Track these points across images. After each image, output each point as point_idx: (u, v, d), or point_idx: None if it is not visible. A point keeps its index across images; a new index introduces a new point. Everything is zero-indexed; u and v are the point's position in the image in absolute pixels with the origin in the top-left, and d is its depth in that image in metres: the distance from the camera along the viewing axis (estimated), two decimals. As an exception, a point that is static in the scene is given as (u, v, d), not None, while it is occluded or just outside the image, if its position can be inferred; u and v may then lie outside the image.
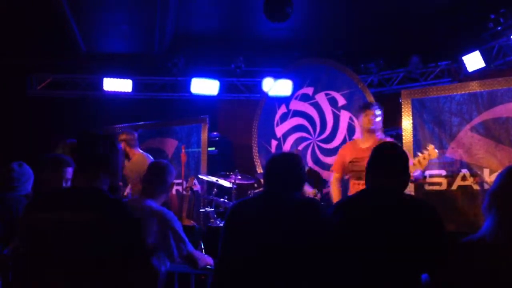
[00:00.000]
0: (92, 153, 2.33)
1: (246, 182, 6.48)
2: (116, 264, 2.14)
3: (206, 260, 3.44)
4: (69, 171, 3.46)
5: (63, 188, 2.38)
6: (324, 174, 7.27)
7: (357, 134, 5.26)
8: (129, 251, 2.16)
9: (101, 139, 2.38)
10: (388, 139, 4.92)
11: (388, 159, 2.61)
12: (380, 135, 4.88)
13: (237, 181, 6.14)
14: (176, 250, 3.17)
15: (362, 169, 4.74)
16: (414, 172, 4.56)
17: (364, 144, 4.88)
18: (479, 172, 5.58)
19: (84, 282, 2.12)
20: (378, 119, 4.87)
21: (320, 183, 6.45)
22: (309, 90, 7.87)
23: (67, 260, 2.13)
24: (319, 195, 6.20)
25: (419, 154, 4.64)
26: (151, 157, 5.98)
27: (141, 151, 6.19)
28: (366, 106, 5.00)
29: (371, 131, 4.85)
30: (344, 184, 5.15)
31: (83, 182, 2.28)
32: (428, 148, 4.67)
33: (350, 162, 4.87)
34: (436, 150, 4.65)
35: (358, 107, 5.18)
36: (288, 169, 2.73)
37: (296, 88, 8.00)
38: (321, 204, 2.72)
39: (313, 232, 2.53)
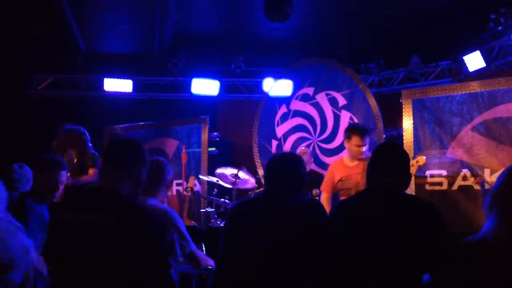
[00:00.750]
0: (119, 159, 2.35)
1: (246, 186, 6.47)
2: (133, 270, 2.14)
3: (208, 260, 3.45)
4: (63, 174, 3.52)
5: (87, 189, 2.42)
6: (325, 174, 7.26)
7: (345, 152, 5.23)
8: (148, 258, 2.15)
9: (129, 144, 2.42)
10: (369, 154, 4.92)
11: (389, 159, 2.61)
12: (366, 153, 4.87)
13: (237, 181, 6.14)
14: (179, 249, 3.18)
15: (351, 186, 4.81)
16: None
17: (352, 162, 4.95)
18: (480, 172, 5.57)
19: (98, 282, 2.15)
20: (366, 146, 4.86)
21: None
22: (309, 90, 7.86)
23: (85, 261, 2.16)
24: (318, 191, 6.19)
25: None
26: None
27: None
28: (357, 134, 4.84)
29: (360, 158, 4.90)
30: (335, 201, 5.15)
31: (108, 186, 2.30)
32: (417, 156, 4.77)
33: (340, 180, 4.93)
34: (424, 157, 4.74)
35: (346, 131, 5.01)
36: (288, 169, 2.72)
37: (296, 88, 7.99)
38: (321, 205, 2.71)
39: (314, 233, 2.52)
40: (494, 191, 2.29)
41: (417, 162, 4.68)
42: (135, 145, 2.42)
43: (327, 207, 4.94)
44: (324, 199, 5.08)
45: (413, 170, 4.63)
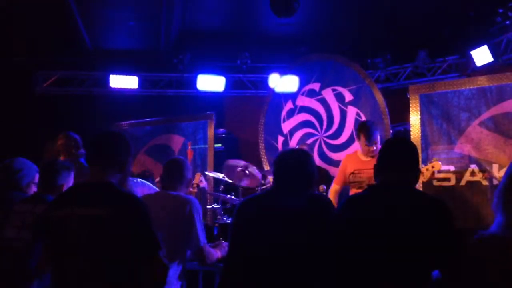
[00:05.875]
0: (105, 150, 2.44)
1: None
2: (127, 256, 2.24)
3: (215, 254, 3.48)
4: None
5: (79, 183, 2.50)
6: (332, 170, 7.23)
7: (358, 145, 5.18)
8: (140, 243, 2.25)
9: (114, 136, 2.53)
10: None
11: (397, 154, 2.58)
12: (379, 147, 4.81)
13: (244, 178, 6.11)
14: (201, 237, 3.24)
15: (363, 179, 4.78)
16: None
17: (366, 157, 4.92)
18: (488, 168, 5.53)
19: (98, 274, 2.22)
20: (377, 143, 4.82)
21: (328, 180, 6.41)
22: (315, 86, 7.83)
23: (83, 253, 2.23)
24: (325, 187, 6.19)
25: (423, 166, 4.72)
26: None
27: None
28: (363, 134, 4.82)
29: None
30: (346, 193, 5.14)
31: (97, 177, 2.38)
32: (432, 160, 4.74)
33: (352, 173, 4.91)
34: (440, 163, 4.72)
35: (355, 129, 5.05)
36: (297, 165, 2.70)
37: (302, 83, 7.96)
38: (330, 201, 2.69)
39: (322, 230, 2.50)
40: (503, 187, 2.27)
41: (432, 167, 4.66)
42: (118, 137, 2.51)
43: (335, 199, 4.97)
44: (333, 191, 5.07)
45: (427, 174, 4.64)
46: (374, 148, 4.79)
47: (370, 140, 4.76)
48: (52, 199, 2.66)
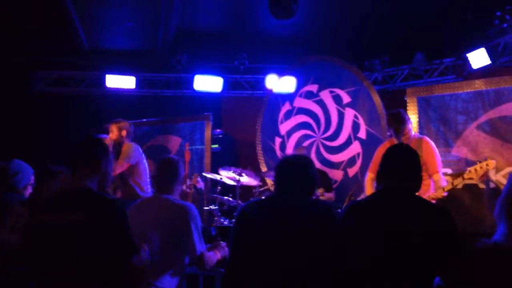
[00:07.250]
0: (83, 155, 2.55)
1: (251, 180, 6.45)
2: (103, 259, 2.31)
3: (214, 258, 3.44)
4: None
5: (59, 189, 2.56)
6: (329, 172, 7.24)
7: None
8: (115, 246, 2.34)
9: (92, 141, 2.64)
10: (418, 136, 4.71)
11: (399, 161, 2.59)
12: (412, 135, 4.67)
13: (240, 179, 6.11)
14: (198, 246, 3.16)
15: None
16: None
17: None
18: (485, 171, 5.55)
19: (75, 276, 2.29)
20: (407, 131, 4.63)
21: (327, 183, 6.41)
22: (313, 87, 7.84)
23: (61, 257, 2.31)
24: (332, 194, 6.19)
25: (478, 162, 4.36)
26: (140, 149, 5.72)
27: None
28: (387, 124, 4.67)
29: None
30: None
31: (73, 182, 2.48)
32: (488, 158, 4.37)
33: None
34: (494, 161, 4.31)
35: (387, 120, 4.79)
36: (298, 172, 2.70)
37: (300, 85, 7.96)
38: (332, 207, 2.68)
39: (323, 236, 2.51)
40: (505, 196, 2.28)
41: (487, 165, 4.28)
42: (96, 142, 2.64)
43: (371, 188, 4.82)
44: (369, 179, 4.92)
45: (480, 172, 4.28)
46: (401, 137, 4.57)
47: (397, 135, 4.55)
48: (35, 205, 2.74)
